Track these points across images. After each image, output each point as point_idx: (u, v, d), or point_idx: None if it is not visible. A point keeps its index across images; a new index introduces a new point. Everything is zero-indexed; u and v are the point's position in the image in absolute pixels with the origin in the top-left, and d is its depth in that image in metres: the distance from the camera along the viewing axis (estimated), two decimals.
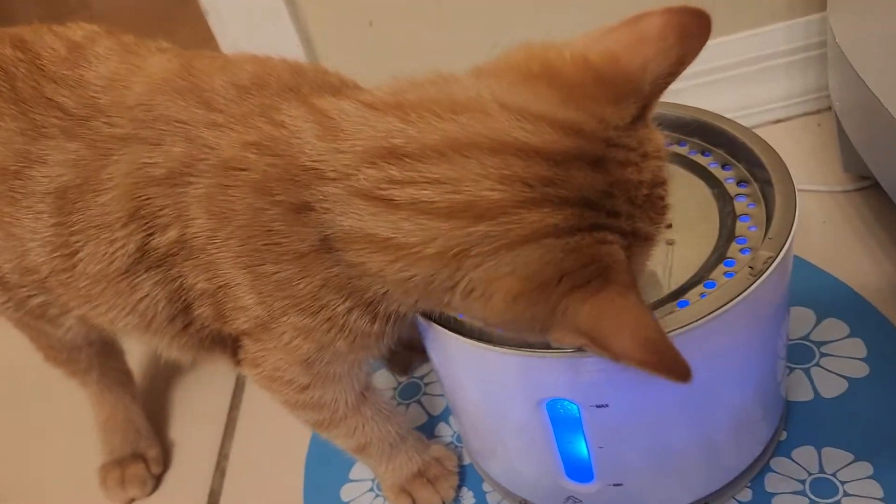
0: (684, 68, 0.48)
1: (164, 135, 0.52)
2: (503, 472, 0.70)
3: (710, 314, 0.51)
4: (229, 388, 0.96)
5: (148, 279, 0.55)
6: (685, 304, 0.55)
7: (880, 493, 0.64)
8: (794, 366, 0.75)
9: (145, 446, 0.88)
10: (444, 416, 0.83)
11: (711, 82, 1.04)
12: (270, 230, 0.50)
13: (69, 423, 0.95)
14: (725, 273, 0.56)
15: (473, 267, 0.45)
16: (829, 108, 0.95)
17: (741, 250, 0.58)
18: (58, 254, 0.56)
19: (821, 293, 0.81)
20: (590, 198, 0.45)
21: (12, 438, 1.00)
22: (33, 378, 1.03)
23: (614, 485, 0.61)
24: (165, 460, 0.90)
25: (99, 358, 0.84)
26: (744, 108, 1.04)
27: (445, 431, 0.81)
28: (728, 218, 0.61)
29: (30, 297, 0.65)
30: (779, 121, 1.07)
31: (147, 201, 0.53)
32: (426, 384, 0.87)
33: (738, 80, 1.04)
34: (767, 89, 1.05)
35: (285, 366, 0.59)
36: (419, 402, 0.85)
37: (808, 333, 0.78)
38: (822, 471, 0.66)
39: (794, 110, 1.07)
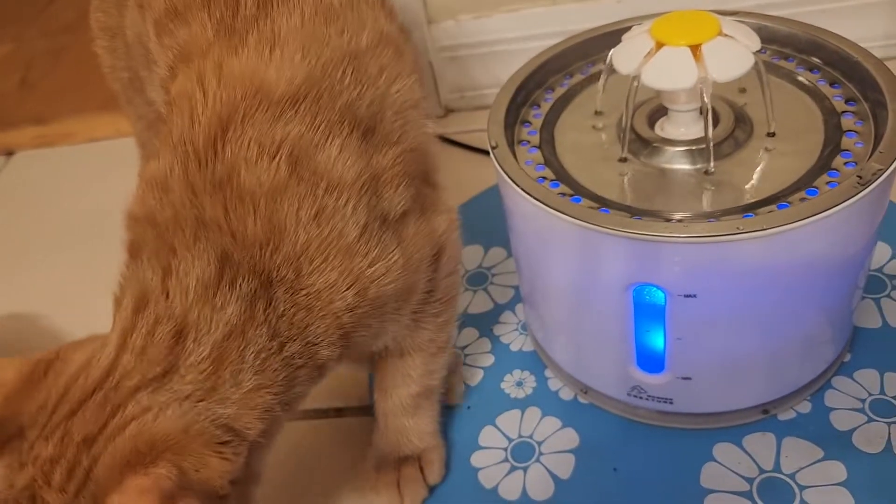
0: None
1: None
2: (571, 360, 0.72)
3: (813, 216, 0.52)
4: None
5: None
6: (785, 206, 0.55)
7: None
8: (865, 295, 0.76)
9: None
10: (512, 304, 0.85)
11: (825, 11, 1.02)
12: None
13: None
14: (829, 182, 0.57)
15: None
16: None
17: (846, 163, 0.58)
18: None
19: None
20: None
21: (92, 280, 1.04)
22: None
23: (683, 378, 0.64)
24: None
25: None
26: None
27: (510, 319, 0.84)
28: (833, 132, 0.62)
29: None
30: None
31: None
32: (493, 274, 0.89)
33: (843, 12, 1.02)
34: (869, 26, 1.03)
35: None
36: (485, 290, 0.88)
37: (882, 267, 0.79)
38: (882, 393, 0.68)
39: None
